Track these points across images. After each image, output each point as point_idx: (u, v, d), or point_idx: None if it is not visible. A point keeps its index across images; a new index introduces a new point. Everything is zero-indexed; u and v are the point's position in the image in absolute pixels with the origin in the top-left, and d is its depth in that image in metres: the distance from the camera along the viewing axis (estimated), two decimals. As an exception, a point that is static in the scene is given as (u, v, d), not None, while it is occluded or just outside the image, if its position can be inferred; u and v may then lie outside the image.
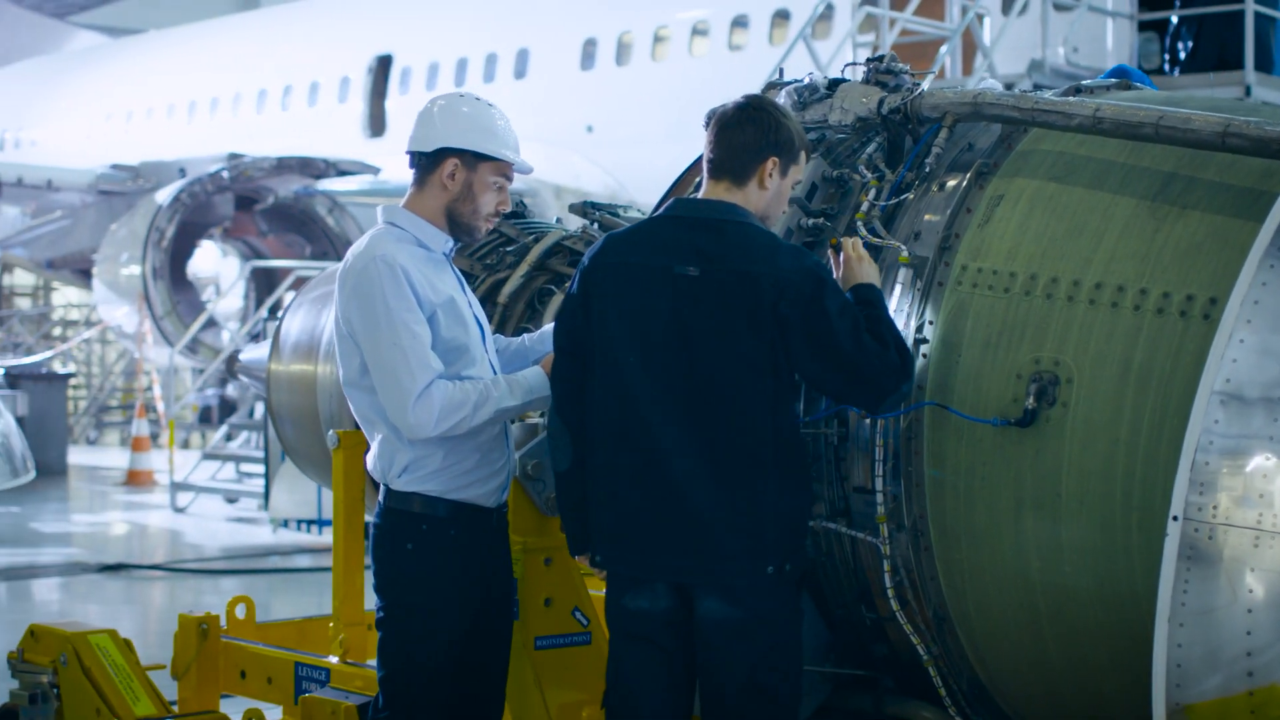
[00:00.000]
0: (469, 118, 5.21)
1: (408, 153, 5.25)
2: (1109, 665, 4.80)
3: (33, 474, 9.84)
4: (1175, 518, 4.24)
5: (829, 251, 5.09)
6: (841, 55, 16.36)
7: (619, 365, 4.80)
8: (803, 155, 4.97)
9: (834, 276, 4.94)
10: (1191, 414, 4.27)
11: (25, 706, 7.19)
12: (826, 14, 20.82)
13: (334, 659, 6.46)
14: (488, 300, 6.76)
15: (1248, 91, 15.36)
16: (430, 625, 5.10)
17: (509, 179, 5.26)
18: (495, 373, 5.23)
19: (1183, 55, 16.51)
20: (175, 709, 7.16)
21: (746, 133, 4.87)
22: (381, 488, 5.19)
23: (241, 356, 8.53)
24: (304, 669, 6.72)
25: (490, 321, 6.58)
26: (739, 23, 23.77)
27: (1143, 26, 16.82)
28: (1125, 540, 4.65)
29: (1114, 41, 16.83)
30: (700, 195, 4.96)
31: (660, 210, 5.07)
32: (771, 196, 4.91)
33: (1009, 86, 15.05)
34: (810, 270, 4.71)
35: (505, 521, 5.31)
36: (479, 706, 5.23)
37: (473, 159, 5.17)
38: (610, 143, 24.91)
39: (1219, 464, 4.24)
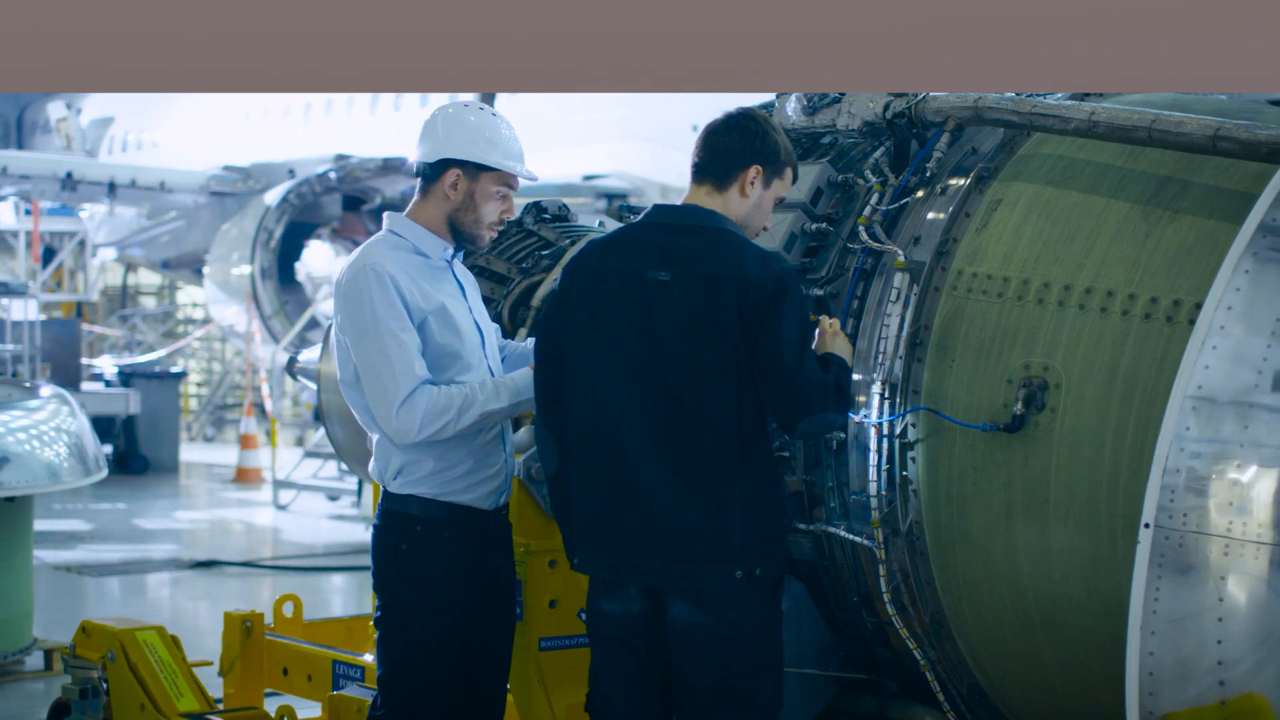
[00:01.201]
0: (472, 128, 5.27)
1: (413, 163, 5.31)
2: (1101, 671, 4.77)
3: (104, 472, 10.01)
4: (1147, 525, 4.20)
5: None
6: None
7: (591, 369, 4.82)
8: (789, 171, 4.95)
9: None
10: (1164, 421, 4.23)
11: (76, 700, 7.37)
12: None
13: (369, 657, 6.55)
14: (522, 303, 6.79)
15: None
16: (425, 625, 5.14)
17: (513, 188, 5.30)
18: (493, 376, 5.27)
19: None
20: (220, 705, 7.29)
21: (732, 138, 4.88)
22: (380, 489, 5.25)
23: (300, 358, 8.60)
24: (341, 667, 6.83)
25: (525, 324, 6.63)
26: (842, 18, 23.63)
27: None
28: (1110, 546, 4.62)
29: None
30: (682, 200, 4.97)
31: (641, 215, 5.08)
32: (752, 206, 4.90)
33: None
34: (776, 275, 4.69)
35: (505, 523, 5.33)
36: (477, 706, 5.27)
37: (475, 169, 5.22)
38: (715, 141, 24.76)
39: (1190, 471, 4.19)
